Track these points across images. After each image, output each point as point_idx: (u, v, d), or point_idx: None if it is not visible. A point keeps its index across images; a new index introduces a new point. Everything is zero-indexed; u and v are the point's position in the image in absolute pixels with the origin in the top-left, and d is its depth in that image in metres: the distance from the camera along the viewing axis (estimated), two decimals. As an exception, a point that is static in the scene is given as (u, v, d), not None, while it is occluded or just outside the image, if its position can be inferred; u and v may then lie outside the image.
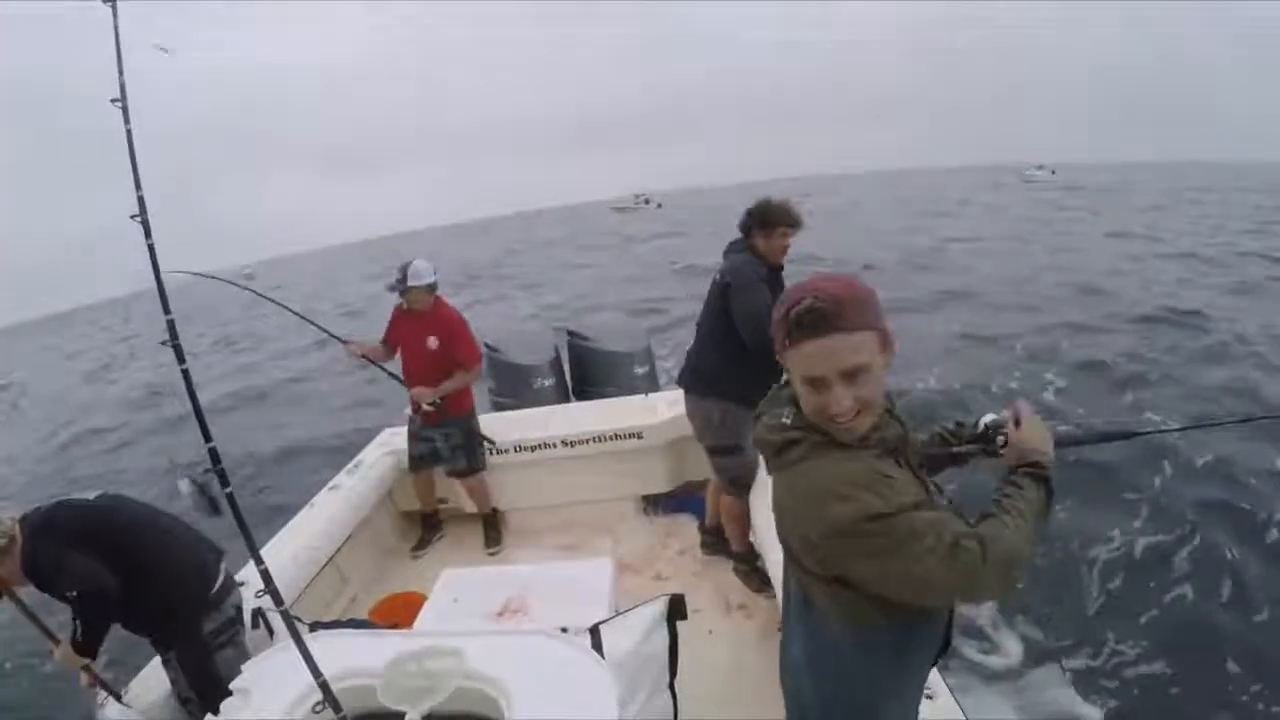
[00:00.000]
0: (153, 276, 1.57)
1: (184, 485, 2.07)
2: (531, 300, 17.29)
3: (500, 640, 1.80)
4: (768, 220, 2.62)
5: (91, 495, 2.11)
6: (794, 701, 1.25)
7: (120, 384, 15.81)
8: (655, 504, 3.77)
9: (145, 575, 1.99)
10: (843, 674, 1.14)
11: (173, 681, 2.07)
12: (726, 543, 3.09)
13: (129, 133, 1.51)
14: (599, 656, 1.66)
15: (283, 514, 3.20)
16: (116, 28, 1.52)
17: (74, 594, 1.87)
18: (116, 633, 2.02)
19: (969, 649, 3.35)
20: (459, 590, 2.42)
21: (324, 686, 1.44)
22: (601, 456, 3.59)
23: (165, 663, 2.09)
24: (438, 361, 3.35)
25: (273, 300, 4.15)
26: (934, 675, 1.83)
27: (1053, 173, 56.75)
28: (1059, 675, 3.21)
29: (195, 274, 3.37)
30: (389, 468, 3.67)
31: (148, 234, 1.52)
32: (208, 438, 1.51)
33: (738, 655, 2.62)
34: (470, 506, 3.69)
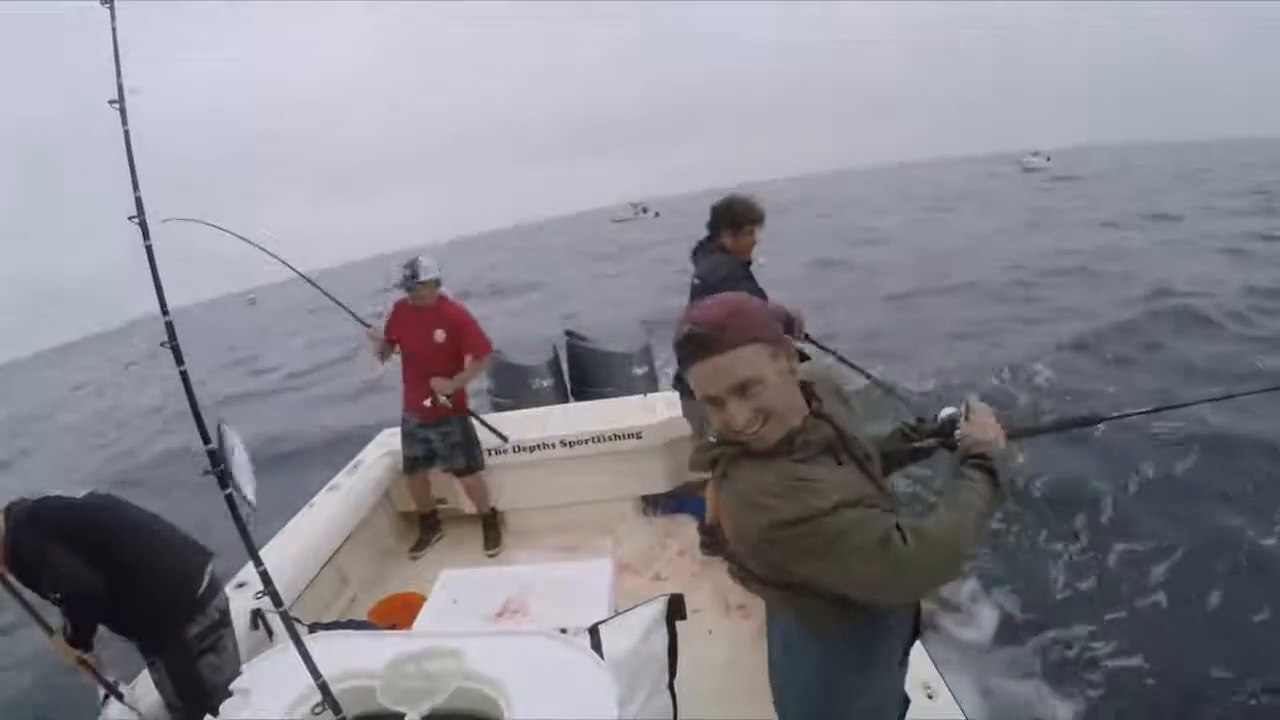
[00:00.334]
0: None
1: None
2: (551, 311, 16.95)
3: (500, 641, 1.80)
4: (737, 219, 2.74)
5: (81, 493, 2.09)
6: (778, 698, 1.30)
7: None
8: (654, 504, 3.76)
9: (129, 575, 1.96)
10: (812, 673, 1.18)
11: (158, 686, 2.05)
12: (726, 543, 3.09)
13: (127, 134, 1.51)
14: (598, 657, 1.66)
15: (282, 514, 3.18)
16: (114, 29, 1.52)
17: (57, 596, 1.85)
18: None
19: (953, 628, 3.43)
20: (458, 591, 2.41)
21: (323, 688, 1.44)
22: (600, 457, 3.59)
23: (150, 665, 2.07)
24: (445, 354, 3.36)
25: (297, 271, 3.60)
26: (933, 672, 1.84)
27: (1048, 159, 56.76)
28: (1032, 660, 3.24)
29: (191, 220, 2.80)
30: (388, 468, 3.67)
31: (146, 235, 1.52)
32: (206, 440, 1.52)
33: (737, 655, 2.61)
34: (469, 507, 3.69)
